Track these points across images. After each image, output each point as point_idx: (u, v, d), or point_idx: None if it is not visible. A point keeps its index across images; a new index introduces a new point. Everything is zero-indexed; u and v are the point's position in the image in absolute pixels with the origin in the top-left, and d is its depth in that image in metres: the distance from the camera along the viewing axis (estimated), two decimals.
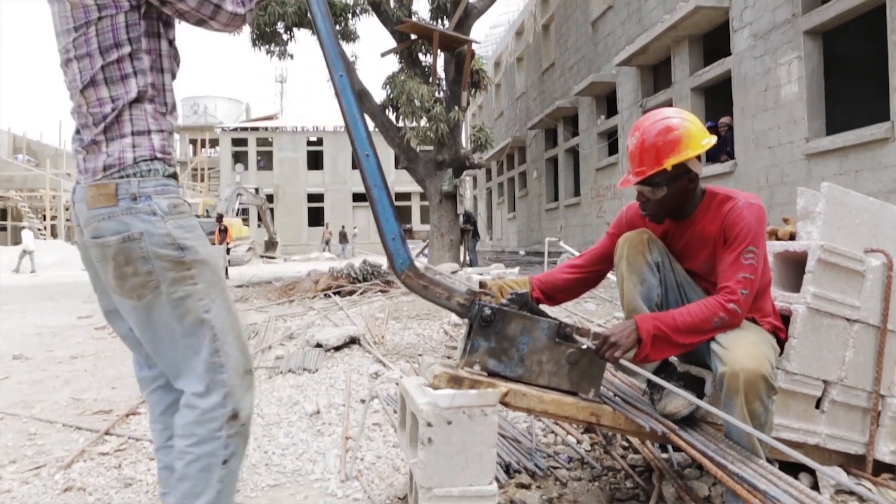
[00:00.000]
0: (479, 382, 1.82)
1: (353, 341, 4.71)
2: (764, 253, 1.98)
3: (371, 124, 10.62)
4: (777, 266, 2.37)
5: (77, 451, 2.81)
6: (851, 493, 2.13)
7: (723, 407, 1.88)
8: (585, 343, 1.92)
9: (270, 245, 25.64)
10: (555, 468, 2.44)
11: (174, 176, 1.69)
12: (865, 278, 2.24)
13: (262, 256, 24.68)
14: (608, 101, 14.38)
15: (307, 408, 3.34)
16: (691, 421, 2.04)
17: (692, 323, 1.89)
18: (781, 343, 2.12)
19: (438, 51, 11.11)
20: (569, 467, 2.47)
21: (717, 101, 10.50)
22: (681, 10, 9.86)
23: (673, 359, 2.23)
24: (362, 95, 11.18)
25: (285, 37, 12.11)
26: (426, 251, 13.00)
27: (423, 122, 11.02)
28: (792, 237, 2.49)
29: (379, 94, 11.60)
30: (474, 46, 11.49)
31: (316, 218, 35.42)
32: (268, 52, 12.19)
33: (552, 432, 2.84)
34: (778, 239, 2.55)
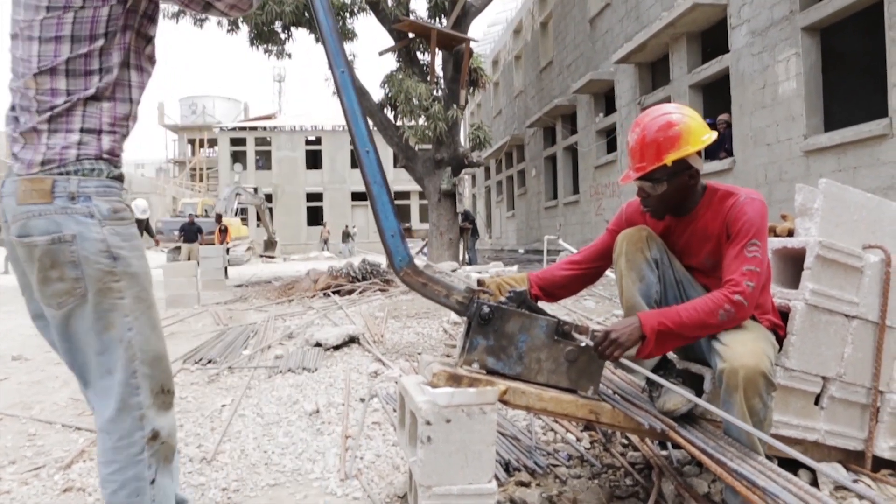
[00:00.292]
0: (478, 380, 1.82)
1: (352, 340, 4.72)
2: (766, 248, 1.98)
3: (370, 123, 10.60)
4: (775, 263, 2.36)
5: (76, 452, 2.80)
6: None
7: (722, 404, 1.88)
8: (584, 341, 1.91)
9: (269, 244, 25.66)
10: (554, 466, 2.44)
11: (120, 178, 1.56)
12: (864, 274, 2.24)
13: (261, 256, 24.70)
14: (606, 99, 14.35)
15: (307, 407, 3.34)
16: (690, 418, 2.04)
17: (697, 318, 1.87)
18: (780, 340, 2.12)
19: (436, 49, 11.11)
20: (568, 465, 2.47)
21: (715, 99, 10.48)
22: (679, 7, 9.86)
23: (672, 356, 2.23)
24: (361, 94, 11.18)
25: (283, 36, 12.13)
26: (425, 250, 13.01)
27: (422, 121, 11.03)
28: (790, 234, 2.49)
29: (377, 93, 11.64)
30: (472, 45, 11.50)
31: (315, 217, 35.40)
32: (266, 51, 12.21)
33: (551, 430, 2.84)
34: (776, 235, 2.55)
